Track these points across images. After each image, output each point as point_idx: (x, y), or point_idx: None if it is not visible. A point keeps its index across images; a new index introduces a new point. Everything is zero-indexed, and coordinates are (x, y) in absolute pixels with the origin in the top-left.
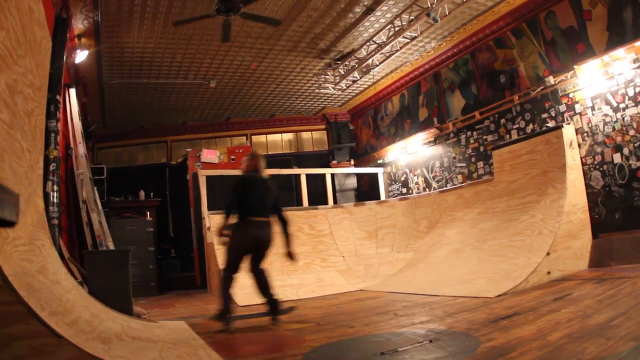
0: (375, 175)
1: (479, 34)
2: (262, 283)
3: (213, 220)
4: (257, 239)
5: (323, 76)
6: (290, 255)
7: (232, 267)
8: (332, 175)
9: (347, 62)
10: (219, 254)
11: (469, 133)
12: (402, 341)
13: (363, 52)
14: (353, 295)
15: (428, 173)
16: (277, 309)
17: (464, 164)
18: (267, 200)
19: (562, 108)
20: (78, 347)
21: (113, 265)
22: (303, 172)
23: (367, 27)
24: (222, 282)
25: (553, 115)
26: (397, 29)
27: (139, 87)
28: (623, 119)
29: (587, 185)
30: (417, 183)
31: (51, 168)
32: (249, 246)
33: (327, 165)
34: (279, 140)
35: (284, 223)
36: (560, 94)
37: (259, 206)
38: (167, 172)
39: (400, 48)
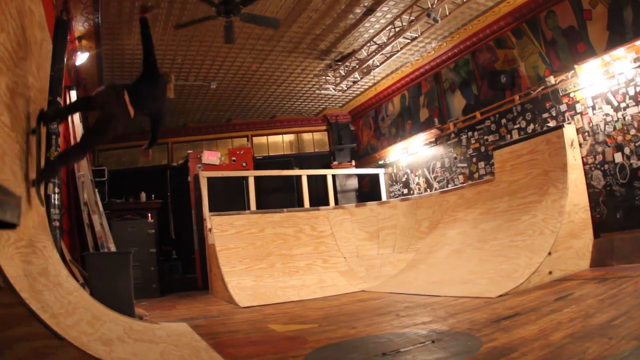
0: (376, 176)
1: (479, 34)
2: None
3: (214, 222)
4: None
5: (324, 77)
6: None
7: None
8: (333, 176)
9: (347, 63)
10: (221, 255)
11: (469, 133)
12: (404, 342)
13: (363, 53)
14: (355, 296)
15: (429, 173)
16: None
17: (465, 164)
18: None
19: (563, 108)
20: (80, 349)
21: (114, 267)
22: (304, 173)
23: (368, 27)
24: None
25: (554, 115)
26: (397, 29)
27: None
28: (624, 118)
29: (589, 185)
30: (418, 183)
31: None
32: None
33: (328, 166)
34: (280, 141)
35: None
36: (560, 94)
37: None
38: (168, 173)
39: (401, 49)
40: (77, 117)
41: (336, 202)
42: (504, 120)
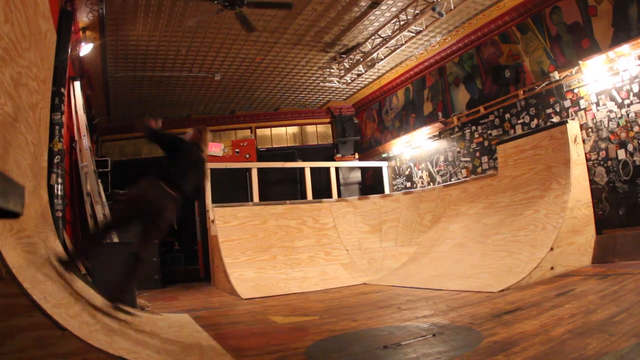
0: (379, 169)
1: (484, 28)
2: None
3: (217, 213)
4: (147, 200)
5: (328, 70)
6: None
7: (117, 219)
8: (337, 168)
9: (352, 56)
10: (223, 247)
11: (473, 127)
12: (405, 335)
13: (368, 46)
14: (356, 288)
15: (432, 167)
16: (116, 296)
17: (468, 159)
18: (190, 175)
19: (567, 103)
20: (81, 339)
21: (117, 257)
22: (307, 166)
23: (372, 20)
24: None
25: (558, 110)
26: (402, 23)
27: (143, 80)
28: (627, 115)
29: (591, 181)
30: (421, 177)
31: (55, 161)
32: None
33: (332, 159)
34: (283, 133)
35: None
36: (565, 90)
37: (178, 176)
38: None
39: (405, 42)
40: (80, 107)
41: (339, 195)
42: (507, 115)
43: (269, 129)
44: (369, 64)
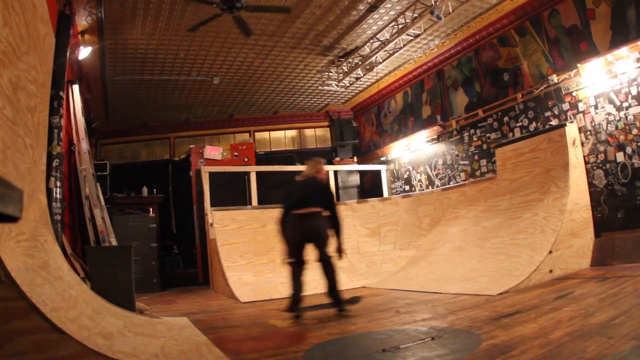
0: (378, 173)
1: (482, 32)
2: (324, 272)
3: (216, 217)
4: (303, 230)
5: (326, 73)
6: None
7: (292, 256)
8: (335, 172)
9: (350, 59)
10: (222, 250)
11: (472, 131)
12: (404, 338)
13: (366, 50)
14: (355, 292)
15: (431, 170)
16: (338, 300)
17: (467, 162)
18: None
19: (566, 106)
20: (80, 343)
21: (116, 261)
22: None
23: (371, 24)
24: (289, 272)
25: (556, 113)
26: (400, 26)
27: (142, 84)
28: (626, 117)
29: (590, 184)
30: (420, 180)
31: (54, 164)
32: (299, 238)
33: (330, 162)
34: (282, 137)
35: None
36: (563, 93)
37: (306, 199)
38: (170, 168)
39: (404, 46)
40: (79, 110)
41: (338, 198)
42: (506, 118)
43: (268, 132)
44: (368, 67)
